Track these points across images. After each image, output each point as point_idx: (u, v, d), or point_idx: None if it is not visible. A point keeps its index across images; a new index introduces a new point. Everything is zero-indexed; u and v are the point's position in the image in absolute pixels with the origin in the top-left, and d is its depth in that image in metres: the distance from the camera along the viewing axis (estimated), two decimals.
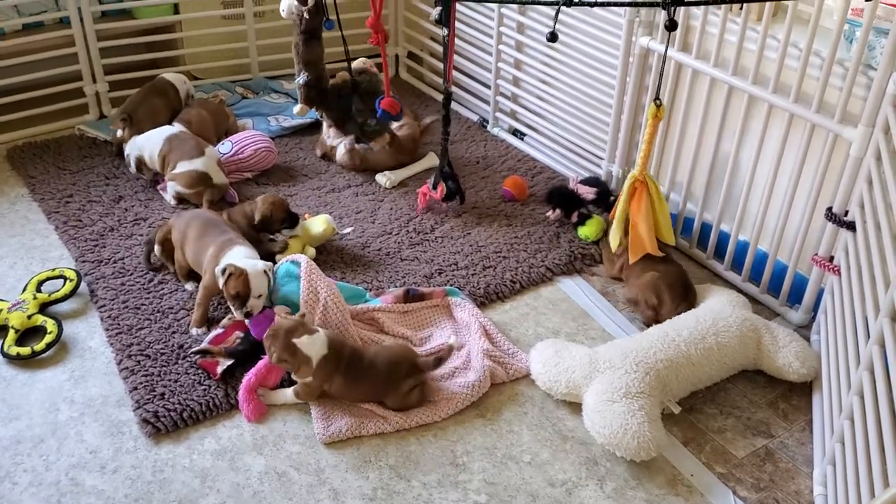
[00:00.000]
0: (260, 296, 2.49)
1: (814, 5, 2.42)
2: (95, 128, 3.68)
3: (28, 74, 3.61)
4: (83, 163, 3.47)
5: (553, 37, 2.51)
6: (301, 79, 3.32)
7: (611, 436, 2.22)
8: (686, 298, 2.70)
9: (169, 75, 3.62)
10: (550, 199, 3.18)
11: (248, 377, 2.38)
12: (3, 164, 3.48)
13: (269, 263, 2.56)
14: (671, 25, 2.40)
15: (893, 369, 1.78)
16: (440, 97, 3.81)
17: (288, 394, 2.40)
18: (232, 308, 2.51)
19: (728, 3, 2.50)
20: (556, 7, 2.46)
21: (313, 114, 3.52)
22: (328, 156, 3.57)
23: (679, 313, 2.62)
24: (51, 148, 3.57)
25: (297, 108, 3.37)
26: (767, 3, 2.53)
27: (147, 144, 3.23)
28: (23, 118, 3.64)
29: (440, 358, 2.41)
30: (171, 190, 3.17)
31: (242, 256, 2.54)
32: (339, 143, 3.50)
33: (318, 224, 2.96)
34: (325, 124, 3.54)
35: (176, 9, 3.87)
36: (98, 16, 3.73)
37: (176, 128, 3.28)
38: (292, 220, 2.92)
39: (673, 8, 2.37)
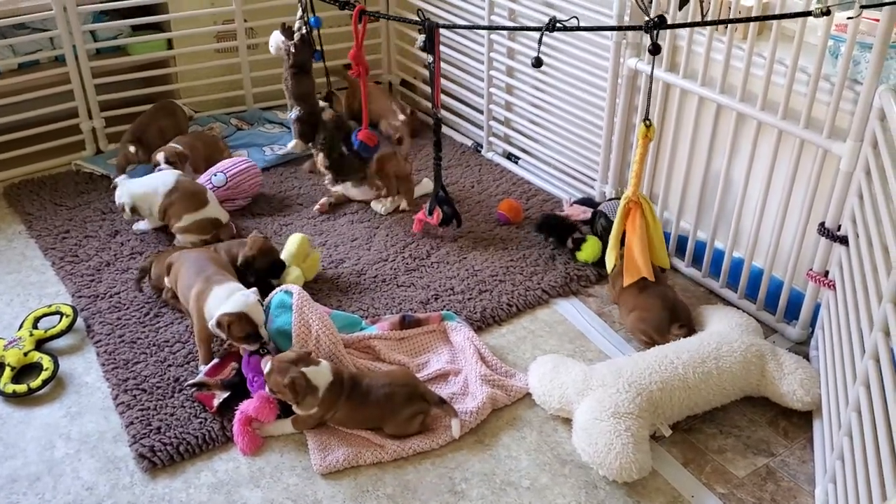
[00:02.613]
0: (265, 322, 2.48)
1: (798, 22, 2.43)
2: (92, 163, 3.70)
3: (24, 113, 3.64)
4: (80, 198, 3.49)
5: (538, 62, 2.53)
6: (294, 113, 3.35)
7: (595, 454, 2.21)
8: (677, 320, 2.67)
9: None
10: (541, 229, 3.19)
11: (243, 410, 2.37)
12: (1, 202, 3.50)
13: (254, 289, 2.52)
14: (654, 49, 2.42)
15: (888, 384, 1.76)
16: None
17: (286, 425, 2.39)
18: (247, 347, 2.46)
19: (710, 24, 2.52)
20: (540, 33, 2.49)
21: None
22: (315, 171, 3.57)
23: (677, 335, 2.62)
24: (47, 184, 3.59)
25: (291, 144, 3.38)
26: (752, 23, 2.54)
27: (144, 197, 3.14)
28: (20, 156, 3.66)
29: (445, 400, 2.40)
30: (183, 241, 3.12)
31: (225, 297, 2.47)
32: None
33: (292, 244, 2.95)
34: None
35: (170, 44, 3.90)
36: (93, 53, 3.77)
37: (171, 177, 3.16)
38: (276, 269, 2.83)
39: (656, 31, 2.40)
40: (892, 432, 1.74)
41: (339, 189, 3.41)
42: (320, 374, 2.32)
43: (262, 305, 2.51)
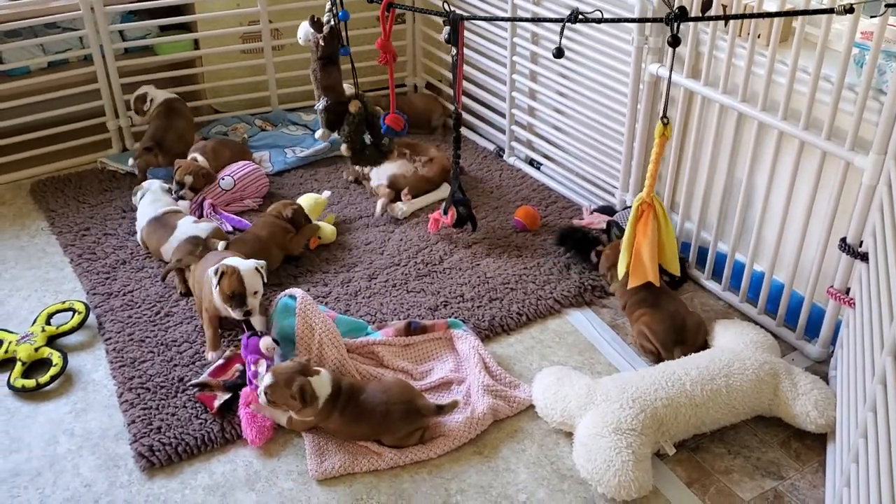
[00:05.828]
0: (256, 293, 2.55)
1: (821, 28, 2.34)
2: (117, 161, 3.74)
3: (53, 111, 3.69)
4: (102, 196, 3.53)
5: (559, 52, 2.46)
6: (321, 104, 3.40)
7: (593, 470, 2.15)
8: (682, 342, 2.59)
9: (172, 95, 3.70)
10: (562, 242, 3.11)
11: (245, 403, 2.38)
12: (27, 198, 3.56)
13: (262, 262, 2.62)
14: (674, 41, 2.33)
15: (893, 409, 1.67)
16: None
17: (283, 416, 2.38)
18: (230, 310, 2.54)
19: (733, 18, 2.43)
20: (562, 24, 2.44)
21: (335, 139, 3.66)
22: (360, 180, 3.64)
23: (681, 355, 2.54)
24: (72, 181, 3.63)
25: (318, 133, 3.48)
26: (774, 28, 2.46)
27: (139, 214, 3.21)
28: (47, 153, 3.71)
29: (442, 407, 2.37)
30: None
31: (225, 256, 2.63)
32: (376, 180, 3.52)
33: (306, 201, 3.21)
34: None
35: (196, 44, 3.93)
36: (121, 52, 3.81)
37: (147, 217, 3.14)
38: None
39: (676, 24, 2.31)
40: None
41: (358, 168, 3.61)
42: (321, 385, 2.31)
43: (263, 279, 2.59)
